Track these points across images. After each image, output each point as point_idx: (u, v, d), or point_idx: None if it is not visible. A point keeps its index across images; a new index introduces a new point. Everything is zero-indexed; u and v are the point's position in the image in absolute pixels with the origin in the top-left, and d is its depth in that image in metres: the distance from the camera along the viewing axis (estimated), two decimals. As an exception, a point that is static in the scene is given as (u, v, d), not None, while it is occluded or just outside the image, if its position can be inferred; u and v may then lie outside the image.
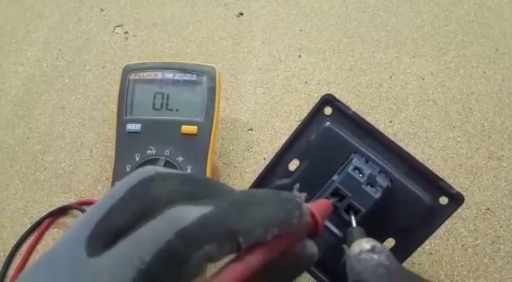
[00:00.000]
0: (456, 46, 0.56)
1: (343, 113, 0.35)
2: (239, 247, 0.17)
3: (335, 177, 0.33)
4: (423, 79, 0.54)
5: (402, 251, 0.33)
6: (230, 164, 0.49)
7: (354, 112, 0.35)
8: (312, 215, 0.21)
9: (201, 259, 0.16)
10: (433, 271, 0.42)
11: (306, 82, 0.55)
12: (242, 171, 0.49)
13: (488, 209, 0.45)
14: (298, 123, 0.52)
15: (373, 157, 0.33)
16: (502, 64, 0.55)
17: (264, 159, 0.50)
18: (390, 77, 0.54)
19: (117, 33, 0.60)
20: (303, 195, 0.20)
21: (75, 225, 0.17)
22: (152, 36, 0.60)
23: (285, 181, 0.36)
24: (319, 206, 0.23)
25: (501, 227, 0.45)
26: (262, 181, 0.37)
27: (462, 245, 0.44)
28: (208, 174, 0.42)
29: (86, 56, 0.58)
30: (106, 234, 0.16)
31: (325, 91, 0.54)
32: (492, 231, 0.44)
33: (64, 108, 0.54)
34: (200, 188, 0.18)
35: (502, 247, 0.44)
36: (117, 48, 0.59)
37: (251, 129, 0.52)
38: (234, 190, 0.19)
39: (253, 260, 0.18)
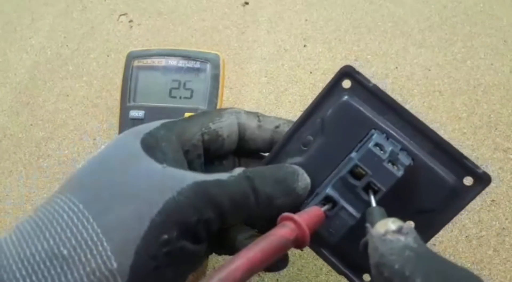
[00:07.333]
0: (463, 37, 0.56)
1: (363, 86, 0.32)
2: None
3: (353, 154, 0.30)
4: (429, 70, 0.53)
5: (421, 235, 0.32)
6: (233, 153, 0.49)
7: (374, 85, 0.32)
8: (299, 227, 0.22)
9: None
10: (437, 262, 0.42)
11: (311, 72, 0.54)
12: (245, 160, 0.49)
13: (493, 200, 0.45)
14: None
15: (394, 134, 0.31)
16: (510, 55, 0.54)
17: (268, 148, 0.49)
18: (396, 67, 0.54)
19: (121, 21, 0.60)
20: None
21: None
22: (156, 25, 0.59)
23: (297, 159, 0.34)
24: (310, 215, 0.23)
25: (506, 219, 0.44)
26: (273, 159, 0.35)
27: (466, 236, 0.43)
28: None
29: (90, 44, 0.58)
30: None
31: (330, 81, 0.53)
32: (497, 223, 0.44)
33: (68, 96, 0.54)
34: None
35: (507, 239, 0.43)
36: (122, 37, 0.59)
37: (255, 118, 0.51)
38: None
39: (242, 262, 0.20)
